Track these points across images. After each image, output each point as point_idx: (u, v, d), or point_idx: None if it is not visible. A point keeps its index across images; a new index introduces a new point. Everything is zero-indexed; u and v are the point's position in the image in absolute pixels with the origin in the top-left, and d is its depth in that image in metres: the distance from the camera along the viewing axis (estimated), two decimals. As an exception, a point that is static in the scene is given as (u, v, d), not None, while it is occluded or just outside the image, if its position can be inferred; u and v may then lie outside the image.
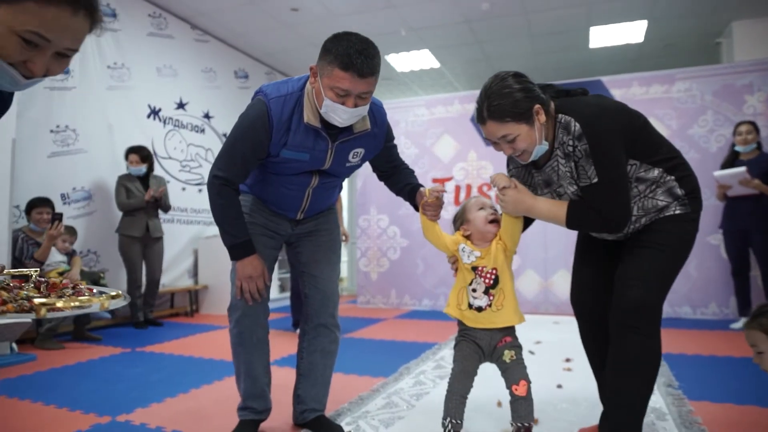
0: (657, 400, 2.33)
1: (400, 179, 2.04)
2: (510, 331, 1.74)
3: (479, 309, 1.72)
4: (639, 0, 5.52)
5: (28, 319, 3.25)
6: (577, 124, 1.54)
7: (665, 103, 5.05)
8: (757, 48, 5.73)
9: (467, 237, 1.78)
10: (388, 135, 1.97)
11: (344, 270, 9.13)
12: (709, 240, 4.86)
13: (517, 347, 1.73)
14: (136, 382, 2.81)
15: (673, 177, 1.64)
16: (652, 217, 1.62)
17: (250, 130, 1.73)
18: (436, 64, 7.36)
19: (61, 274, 3.94)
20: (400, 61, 7.26)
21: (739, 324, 4.31)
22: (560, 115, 1.60)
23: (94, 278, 4.14)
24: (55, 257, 4.02)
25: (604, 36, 6.44)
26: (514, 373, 1.68)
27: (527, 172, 1.78)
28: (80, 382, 2.82)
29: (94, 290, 1.15)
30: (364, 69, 1.57)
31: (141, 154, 4.73)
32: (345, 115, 1.66)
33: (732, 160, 4.30)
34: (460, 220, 1.84)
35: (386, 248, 6.14)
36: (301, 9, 5.58)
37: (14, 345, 3.44)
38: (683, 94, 5.05)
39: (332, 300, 2.06)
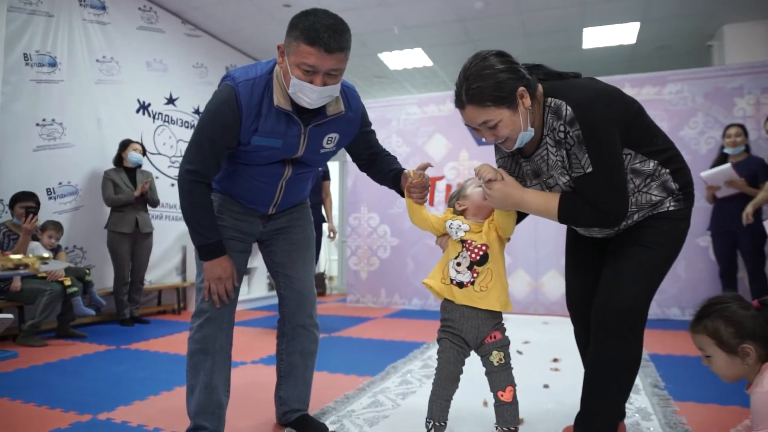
0: (643, 400, 2.32)
1: (382, 166, 1.94)
2: (498, 323, 1.66)
3: (460, 285, 1.62)
4: (632, 2, 5.53)
5: (9, 315, 3.22)
6: (569, 108, 1.40)
7: (657, 105, 5.06)
8: (747, 51, 5.75)
9: (461, 213, 1.70)
10: (363, 119, 1.88)
11: (334, 269, 9.10)
12: (698, 241, 4.88)
13: (506, 347, 1.65)
14: (119, 380, 2.77)
15: (668, 170, 1.54)
16: (645, 213, 1.54)
17: (219, 115, 1.64)
18: (429, 63, 7.35)
19: (44, 262, 3.89)
20: (393, 60, 7.23)
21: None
22: (550, 99, 1.47)
23: (80, 274, 4.09)
24: (40, 252, 3.97)
25: (597, 37, 6.45)
26: (501, 378, 1.62)
27: (515, 162, 1.69)
28: (62, 380, 2.77)
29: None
30: (332, 44, 1.49)
31: (141, 144, 4.74)
32: (313, 95, 1.56)
33: (721, 162, 4.32)
34: (456, 197, 1.76)
35: (376, 247, 6.12)
36: (294, 5, 5.55)
37: (-4, 341, 3.39)
38: (675, 96, 5.06)
39: (309, 300, 1.99)
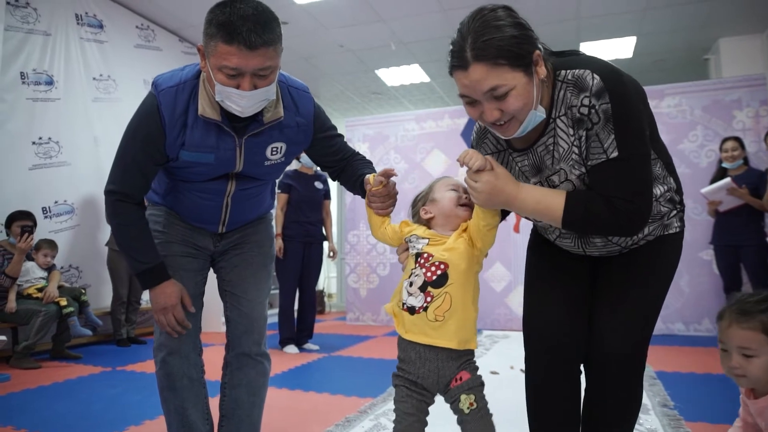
0: (653, 421, 2.26)
1: (351, 172, 1.65)
2: (465, 361, 1.32)
3: (411, 310, 1.30)
4: (628, 16, 5.56)
5: (3, 337, 3.15)
6: (597, 77, 1.12)
7: (656, 118, 5.04)
8: (743, 64, 5.78)
9: (428, 221, 1.40)
10: (318, 123, 1.61)
11: (332, 286, 9.03)
12: (701, 255, 4.83)
13: (478, 388, 1.31)
14: (114, 403, 2.69)
15: (672, 178, 1.32)
16: (655, 228, 1.29)
17: (140, 129, 1.45)
18: (426, 79, 7.36)
19: (40, 290, 3.84)
20: (390, 76, 7.25)
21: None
22: (564, 72, 1.18)
23: (75, 294, 4.03)
24: (36, 273, 3.91)
25: (593, 51, 6.48)
26: (476, 429, 1.29)
27: (502, 160, 1.37)
28: (55, 404, 2.70)
29: None
30: (253, 38, 1.25)
31: None
32: (243, 101, 1.34)
33: (720, 176, 4.30)
34: (422, 200, 1.44)
35: (376, 264, 6.06)
36: (291, 22, 5.56)
37: (-12, 364, 3.32)
38: (673, 109, 5.06)
39: (258, 325, 1.73)
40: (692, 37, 6.05)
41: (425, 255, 1.32)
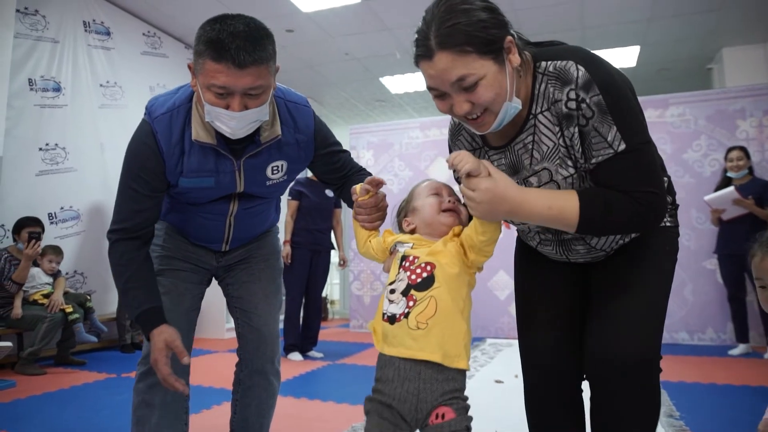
0: (658, 431, 2.26)
1: (351, 186, 1.54)
2: (452, 392, 1.11)
3: (392, 319, 1.14)
4: (632, 26, 5.59)
5: (9, 343, 3.16)
6: (581, 68, 1.04)
7: (659, 128, 5.06)
8: (746, 74, 5.79)
9: (411, 232, 1.27)
10: (320, 140, 1.53)
11: (335, 293, 9.03)
12: (705, 264, 4.83)
13: (464, 426, 1.09)
14: (121, 410, 2.70)
15: (665, 178, 1.23)
16: None
17: (138, 159, 1.38)
18: (431, 87, 7.39)
19: (45, 296, 3.85)
20: (394, 83, 7.27)
21: (738, 350, 4.28)
22: (545, 63, 1.09)
23: (80, 300, 4.04)
24: (42, 278, 3.93)
25: (597, 61, 6.50)
26: None
27: (478, 157, 1.24)
28: (61, 411, 2.70)
29: None
30: (242, 56, 1.18)
31: None
32: (233, 122, 1.27)
33: (724, 185, 4.31)
34: (404, 210, 1.32)
35: (379, 271, 6.06)
36: (297, 30, 5.59)
37: (-6, 370, 3.33)
38: (677, 118, 5.07)
39: (270, 341, 1.67)
40: (696, 47, 6.07)
41: (410, 258, 1.18)
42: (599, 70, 1.04)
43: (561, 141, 1.09)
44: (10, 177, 4.02)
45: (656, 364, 1.16)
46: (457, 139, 1.30)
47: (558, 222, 1.07)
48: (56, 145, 4.38)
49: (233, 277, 1.69)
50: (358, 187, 1.32)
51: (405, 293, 1.14)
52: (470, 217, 1.19)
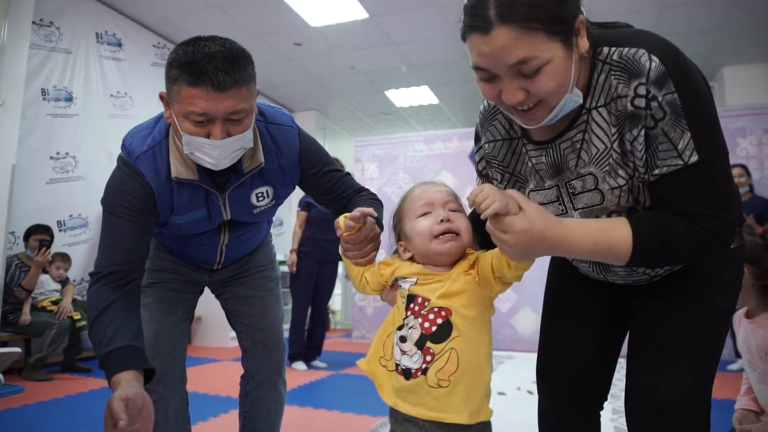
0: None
1: (350, 208, 1.39)
2: None
3: (407, 374, 1.00)
4: (634, 44, 5.68)
5: (17, 349, 3.19)
6: (655, 59, 0.86)
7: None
8: (746, 93, 5.88)
9: (411, 259, 1.09)
10: (306, 161, 1.41)
11: (337, 303, 9.05)
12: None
13: None
14: (128, 417, 2.73)
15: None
16: None
17: (121, 188, 1.26)
18: (435, 101, 7.47)
19: (54, 303, 3.89)
20: (399, 97, 7.36)
21: (737, 365, 4.30)
22: (608, 50, 0.91)
23: (87, 307, 4.08)
24: (50, 285, 3.97)
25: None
26: None
27: (511, 151, 1.09)
28: (69, 417, 2.73)
29: None
30: (221, 78, 1.09)
31: None
32: (216, 152, 1.16)
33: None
34: (397, 229, 1.14)
35: (382, 282, 6.10)
36: (304, 43, 5.68)
37: (0, 376, 3.36)
38: (678, 135, 5.14)
39: (276, 352, 1.63)
40: (697, 65, 6.16)
41: (419, 299, 1.01)
42: (678, 63, 0.87)
43: (616, 145, 0.92)
44: (22, 185, 4.08)
45: (704, 414, 1.00)
46: (490, 124, 1.12)
47: (605, 257, 0.91)
48: (67, 153, 4.44)
49: (230, 292, 1.63)
50: (341, 221, 1.13)
51: (420, 345, 0.99)
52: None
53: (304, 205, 4.42)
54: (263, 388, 1.62)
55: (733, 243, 1.02)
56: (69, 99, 4.47)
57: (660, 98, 0.85)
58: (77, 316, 3.87)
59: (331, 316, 8.35)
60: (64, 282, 4.07)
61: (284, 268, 4.45)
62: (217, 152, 1.16)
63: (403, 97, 7.35)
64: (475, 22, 0.85)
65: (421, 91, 7.15)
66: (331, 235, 4.48)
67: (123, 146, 1.30)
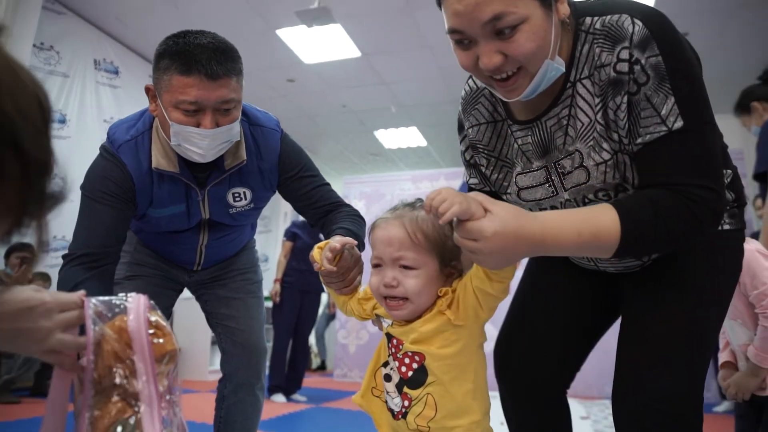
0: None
1: (328, 227, 1.38)
2: None
3: (392, 414, 0.96)
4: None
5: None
6: (638, 22, 0.83)
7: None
8: (725, 141, 6.08)
9: None
10: (285, 164, 1.40)
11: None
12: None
13: None
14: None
15: (728, 171, 0.99)
16: None
17: (100, 174, 1.26)
18: (423, 143, 7.62)
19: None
20: (388, 138, 7.51)
21: (722, 407, 4.27)
22: (590, 19, 0.88)
23: (64, 329, 3.97)
24: (26, 305, 3.87)
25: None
26: None
27: (496, 134, 1.04)
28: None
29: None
30: (214, 67, 1.12)
31: None
32: (205, 142, 1.17)
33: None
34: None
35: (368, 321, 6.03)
36: (298, 80, 5.82)
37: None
38: (659, 179, 5.28)
39: (255, 355, 1.59)
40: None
41: (394, 341, 0.96)
42: (663, 26, 0.83)
43: (600, 116, 0.88)
44: (7, 202, 4.05)
45: (696, 406, 0.91)
46: (473, 108, 1.07)
47: (593, 248, 0.83)
48: (55, 174, 4.42)
49: (210, 294, 1.62)
50: (316, 255, 1.04)
51: (399, 389, 0.94)
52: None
53: (290, 235, 4.43)
54: (241, 392, 1.57)
55: (726, 221, 0.98)
56: (62, 121, 4.51)
57: (643, 61, 0.82)
58: (53, 337, 3.76)
59: (313, 357, 8.18)
60: (41, 303, 3.97)
61: (268, 303, 4.40)
62: (206, 142, 1.18)
63: (392, 138, 7.50)
64: None
65: (410, 132, 7.31)
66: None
67: (107, 135, 1.32)
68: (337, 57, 5.28)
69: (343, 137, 7.59)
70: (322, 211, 1.44)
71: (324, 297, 4.66)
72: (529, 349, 1.12)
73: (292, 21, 4.50)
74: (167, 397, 0.74)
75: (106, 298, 0.76)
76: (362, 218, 1.43)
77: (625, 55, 0.83)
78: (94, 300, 0.75)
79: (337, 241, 1.02)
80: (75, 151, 4.61)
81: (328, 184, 1.49)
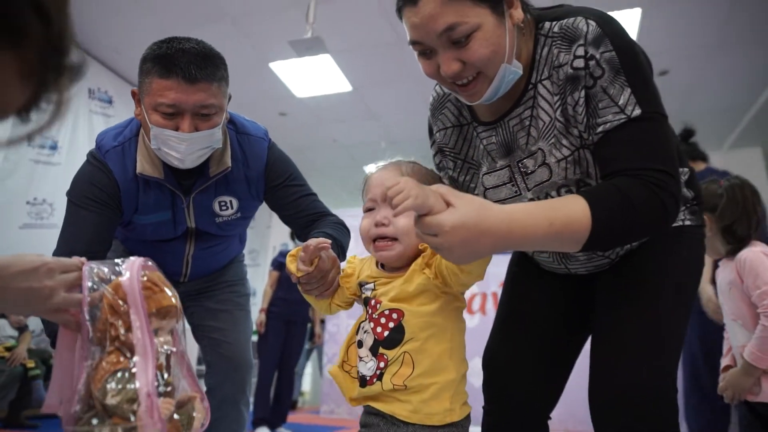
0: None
1: (311, 234, 1.33)
2: None
3: (363, 381, 0.94)
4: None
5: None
6: (592, 22, 0.89)
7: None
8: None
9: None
10: (272, 173, 1.40)
11: (307, 383, 8.68)
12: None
13: None
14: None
15: (686, 169, 1.02)
16: None
17: (86, 180, 1.27)
18: (413, 179, 7.71)
19: (8, 349, 3.68)
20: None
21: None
22: (549, 24, 0.94)
23: (45, 356, 3.87)
24: (6, 331, 3.79)
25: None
26: None
27: (462, 138, 1.08)
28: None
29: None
30: (193, 70, 1.12)
31: None
32: (183, 146, 1.17)
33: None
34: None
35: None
36: (289, 114, 5.92)
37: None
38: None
39: (241, 368, 1.55)
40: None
41: (372, 302, 0.96)
42: (613, 25, 0.90)
43: (559, 113, 0.92)
44: (-5, 226, 4.02)
45: (669, 397, 0.92)
46: (440, 113, 1.12)
47: (563, 239, 0.81)
48: (44, 200, 4.42)
49: (197, 306, 1.59)
50: (292, 267, 1.00)
51: (374, 351, 0.93)
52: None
53: (276, 264, 4.40)
54: (225, 406, 1.53)
55: (687, 218, 1.03)
56: (54, 148, 4.53)
57: (598, 56, 0.87)
58: (31, 364, 3.66)
59: (300, 397, 7.97)
60: (22, 329, 3.88)
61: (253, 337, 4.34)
62: (183, 146, 1.17)
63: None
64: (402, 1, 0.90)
65: (400, 169, 7.40)
66: (301, 296, 4.39)
67: (96, 142, 1.34)
68: (328, 91, 5.39)
69: (333, 172, 7.65)
70: (307, 221, 1.43)
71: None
72: (510, 365, 1.12)
73: (284, 54, 4.61)
74: (173, 349, 0.77)
75: (109, 261, 0.80)
76: (347, 228, 1.43)
77: (580, 52, 0.89)
78: (95, 263, 0.79)
79: (309, 242, 0.98)
80: (64, 178, 4.60)
81: (315, 195, 1.49)
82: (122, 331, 0.72)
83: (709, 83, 5.00)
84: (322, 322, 5.56)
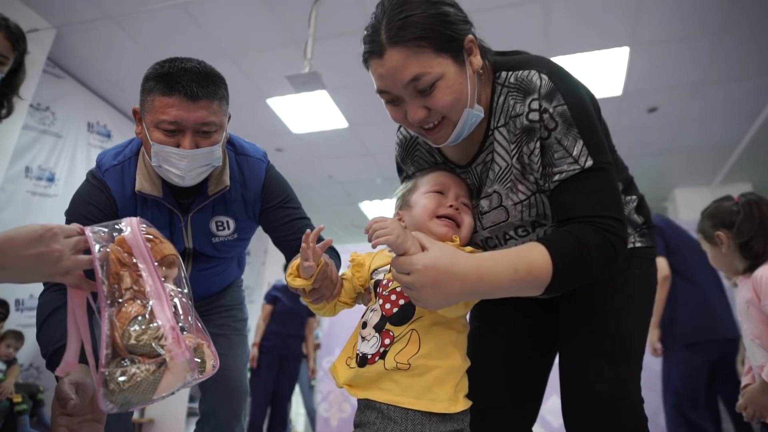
0: None
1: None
2: (448, 429, 0.90)
3: (363, 360, 0.92)
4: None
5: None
6: (544, 77, 0.95)
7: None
8: (696, 211, 6.30)
9: None
10: (268, 194, 1.41)
11: (300, 424, 8.46)
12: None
13: None
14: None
15: (634, 197, 1.15)
16: None
17: (83, 198, 1.28)
18: (408, 215, 7.75)
19: (-5, 383, 3.60)
20: (373, 209, 7.63)
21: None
22: (505, 74, 1.00)
23: (32, 391, 3.78)
24: (-6, 363, 3.71)
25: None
26: None
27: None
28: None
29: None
30: (194, 88, 1.15)
31: None
32: (183, 163, 1.18)
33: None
34: (401, 200, 1.14)
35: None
36: (285, 150, 5.99)
37: None
38: (638, 246, 5.39)
39: (237, 394, 1.55)
40: (651, 188, 6.65)
41: (383, 281, 0.97)
42: (564, 80, 0.97)
43: (515, 161, 0.99)
44: (-13, 257, 3.98)
45: (637, 408, 0.98)
46: (413, 156, 1.17)
47: (526, 286, 0.87)
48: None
49: None
50: (297, 282, 0.98)
51: (379, 328, 0.93)
52: (475, 230, 1.06)
53: (270, 298, 4.38)
54: None
55: (638, 240, 1.13)
56: (51, 179, 4.54)
57: (551, 110, 0.94)
58: (18, 398, 3.57)
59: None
60: (10, 362, 3.80)
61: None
62: (184, 163, 1.19)
63: (377, 209, 7.62)
64: (371, 48, 0.94)
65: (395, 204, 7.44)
66: (295, 330, 4.38)
67: (96, 162, 1.35)
68: (325, 127, 5.47)
69: (328, 208, 7.69)
70: (298, 243, 1.41)
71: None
72: (487, 387, 1.14)
73: (282, 90, 4.70)
74: (183, 290, 0.83)
75: (106, 223, 0.86)
76: (337, 253, 1.43)
77: (535, 105, 0.96)
78: (96, 226, 0.84)
79: (304, 236, 0.98)
80: (60, 210, 4.56)
81: (308, 219, 1.50)
82: (131, 280, 0.77)
83: (698, 119, 5.10)
84: (317, 347, 5.47)
